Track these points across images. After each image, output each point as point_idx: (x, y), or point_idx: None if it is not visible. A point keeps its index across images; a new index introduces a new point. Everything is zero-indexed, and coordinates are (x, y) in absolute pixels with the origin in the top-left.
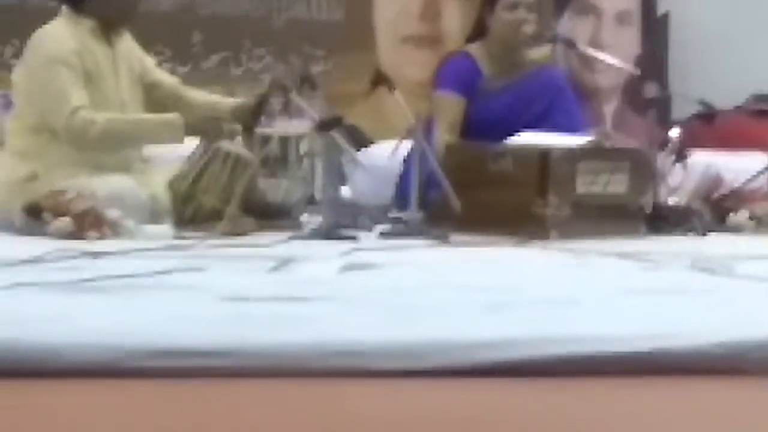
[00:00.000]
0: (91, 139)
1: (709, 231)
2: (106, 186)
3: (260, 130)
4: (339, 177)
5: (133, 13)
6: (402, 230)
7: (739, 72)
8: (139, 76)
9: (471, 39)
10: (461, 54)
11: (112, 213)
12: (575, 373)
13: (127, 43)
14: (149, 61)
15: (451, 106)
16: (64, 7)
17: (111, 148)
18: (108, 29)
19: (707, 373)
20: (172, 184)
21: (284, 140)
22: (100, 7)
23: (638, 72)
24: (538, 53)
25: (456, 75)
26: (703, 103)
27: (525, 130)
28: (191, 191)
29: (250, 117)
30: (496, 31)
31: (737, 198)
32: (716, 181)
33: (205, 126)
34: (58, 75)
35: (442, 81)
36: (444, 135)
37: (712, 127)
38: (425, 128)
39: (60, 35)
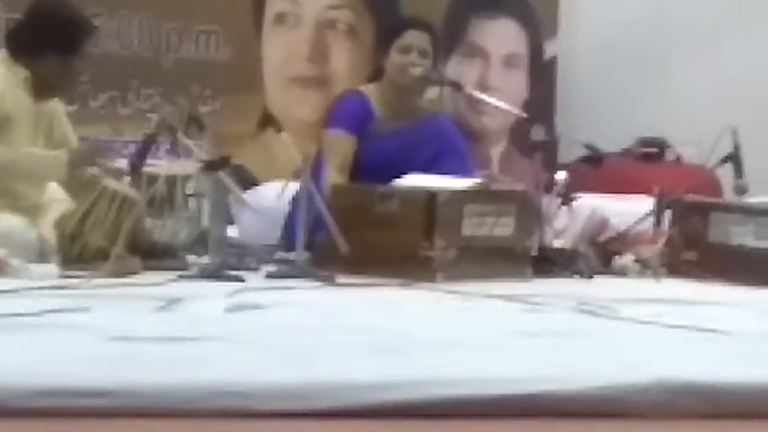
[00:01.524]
0: None
1: (595, 274)
2: None
3: (147, 170)
4: (226, 217)
5: (69, 85)
6: (289, 271)
7: (626, 116)
8: (57, 140)
9: (369, 81)
10: (356, 93)
11: None
12: (460, 415)
13: (53, 104)
14: (68, 128)
15: (342, 144)
16: (2, 50)
17: None
18: (40, 87)
19: (590, 415)
20: (59, 223)
21: (171, 180)
22: (41, 66)
23: (525, 115)
24: (427, 96)
25: (349, 114)
26: (589, 146)
27: (414, 173)
28: (78, 230)
29: (137, 156)
30: (388, 73)
31: (623, 241)
32: (602, 224)
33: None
34: None
35: (335, 119)
36: (333, 174)
37: (598, 171)
38: (314, 167)
39: None
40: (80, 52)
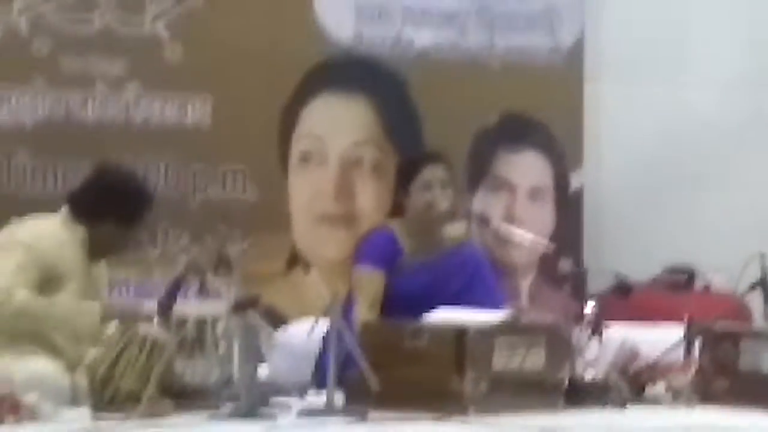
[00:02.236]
0: (7, 315)
1: (628, 403)
2: (25, 370)
3: (176, 312)
4: (257, 357)
5: (124, 251)
6: (321, 409)
7: (653, 244)
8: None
9: (389, 217)
10: (383, 229)
11: (30, 397)
12: None
13: (102, 269)
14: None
15: (372, 281)
16: (64, 208)
17: (27, 326)
18: (95, 249)
19: None
20: (90, 368)
21: (201, 322)
22: (99, 230)
23: (552, 247)
24: (453, 230)
25: (377, 250)
26: (618, 276)
27: (443, 306)
28: (109, 375)
29: (166, 298)
30: (412, 210)
31: (654, 370)
32: (632, 354)
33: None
34: (9, 255)
35: (364, 256)
36: (365, 311)
37: (627, 301)
38: (345, 304)
39: (43, 231)
40: (139, 221)
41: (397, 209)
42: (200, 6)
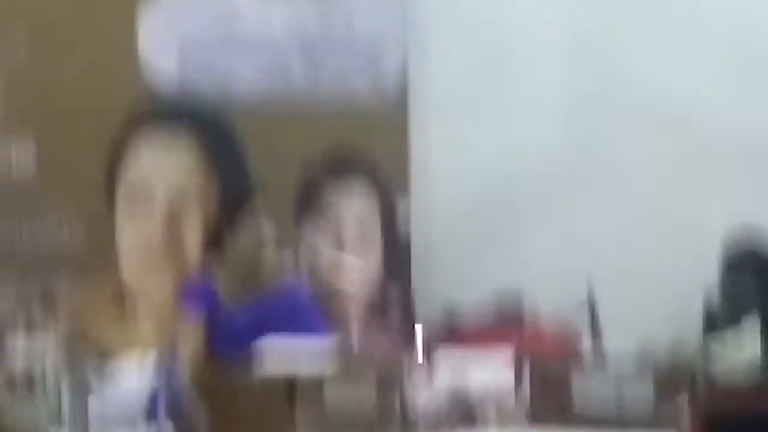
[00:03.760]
0: None
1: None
2: None
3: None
4: (86, 392)
5: None
6: None
7: (483, 273)
8: None
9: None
10: (199, 277)
11: None
12: None
13: None
14: None
15: (190, 331)
16: None
17: None
18: None
19: None
20: None
21: (28, 358)
22: None
23: (381, 275)
24: (279, 263)
25: (194, 299)
26: (447, 304)
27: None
28: None
29: None
30: (235, 243)
31: (484, 399)
32: (463, 381)
33: None
34: None
35: (182, 305)
36: (186, 359)
37: (456, 329)
38: (172, 349)
39: None
40: None
41: (218, 245)
42: (20, 46)
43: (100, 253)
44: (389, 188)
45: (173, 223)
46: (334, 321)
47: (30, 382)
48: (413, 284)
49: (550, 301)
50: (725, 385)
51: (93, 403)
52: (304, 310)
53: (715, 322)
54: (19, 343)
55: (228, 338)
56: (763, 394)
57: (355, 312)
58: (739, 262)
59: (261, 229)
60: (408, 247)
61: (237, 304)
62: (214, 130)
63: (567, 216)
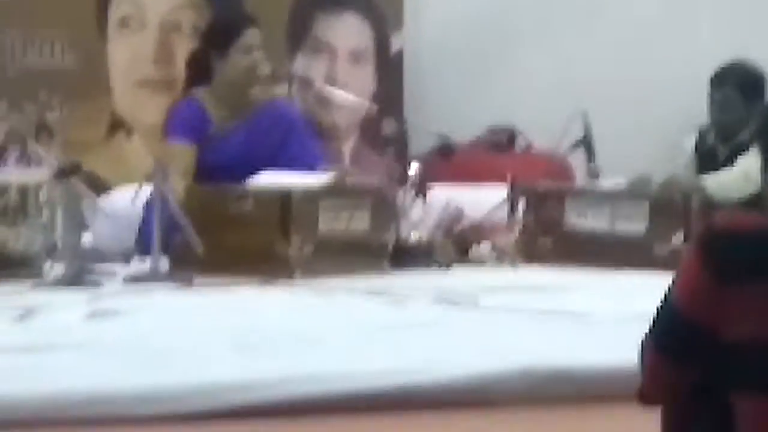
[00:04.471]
0: None
1: (452, 264)
2: None
3: None
4: (80, 224)
5: None
6: (146, 275)
7: (475, 105)
8: None
9: (191, 82)
10: (187, 100)
11: None
12: (326, 411)
13: None
14: None
15: (181, 154)
16: None
17: None
18: None
19: (456, 405)
20: None
21: (23, 188)
22: None
23: (374, 109)
24: (273, 92)
25: (183, 122)
26: (440, 137)
27: (262, 165)
28: None
29: None
30: (228, 73)
31: (478, 231)
32: (457, 214)
33: None
34: None
35: (171, 129)
36: (179, 182)
37: (450, 162)
38: (164, 175)
39: None
40: None
41: (205, 72)
42: None
43: (92, 79)
44: (383, 22)
45: (164, 51)
46: (327, 153)
47: (24, 212)
48: (407, 118)
49: (542, 133)
50: (719, 208)
51: (86, 235)
52: (295, 130)
53: (708, 158)
54: (14, 175)
55: (220, 160)
56: (757, 217)
57: (348, 147)
58: (723, 74)
59: (254, 61)
60: (401, 81)
61: (227, 128)
62: None
63: (561, 46)
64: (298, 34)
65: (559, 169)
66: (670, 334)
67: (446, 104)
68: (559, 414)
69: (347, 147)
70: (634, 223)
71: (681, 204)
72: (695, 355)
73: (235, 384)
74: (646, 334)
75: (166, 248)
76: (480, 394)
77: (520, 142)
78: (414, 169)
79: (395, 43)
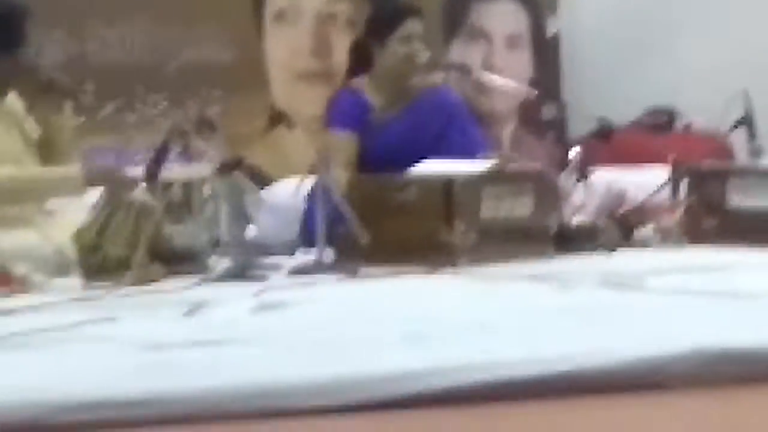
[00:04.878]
0: None
1: (616, 247)
2: (10, 241)
3: (162, 176)
4: (244, 218)
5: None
6: (311, 267)
7: (634, 87)
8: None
9: (351, 72)
10: (347, 90)
11: (20, 268)
12: (497, 399)
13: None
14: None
15: (343, 144)
16: None
17: (8, 202)
18: None
19: (626, 389)
20: (78, 236)
21: (187, 185)
22: None
23: (534, 94)
24: (431, 80)
25: (344, 112)
26: (600, 120)
27: (423, 153)
28: (97, 242)
29: (153, 163)
30: (388, 63)
31: (642, 213)
32: (619, 197)
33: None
34: None
35: (332, 120)
36: (341, 173)
37: (610, 144)
38: (325, 166)
39: None
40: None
41: (365, 62)
42: None
43: (250, 73)
44: (538, 6)
45: (321, 43)
46: (487, 139)
47: (189, 208)
48: (565, 102)
49: (702, 114)
50: None
51: (250, 228)
52: (458, 117)
53: None
54: (177, 172)
55: (381, 149)
56: None
57: (507, 133)
58: None
59: (413, 50)
60: (558, 66)
61: (387, 117)
62: None
63: (721, 26)
64: (454, 21)
65: (721, 149)
66: None
67: (604, 87)
68: (730, 395)
69: (506, 133)
70: None
71: None
72: None
73: (404, 373)
74: None
75: (330, 239)
76: (651, 376)
77: (679, 124)
78: (575, 152)
79: (551, 28)
